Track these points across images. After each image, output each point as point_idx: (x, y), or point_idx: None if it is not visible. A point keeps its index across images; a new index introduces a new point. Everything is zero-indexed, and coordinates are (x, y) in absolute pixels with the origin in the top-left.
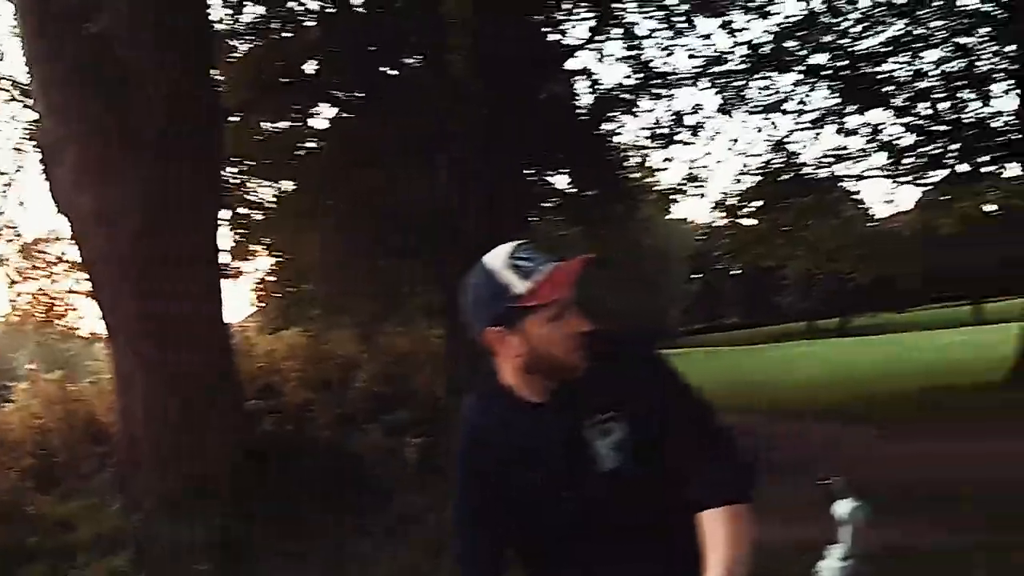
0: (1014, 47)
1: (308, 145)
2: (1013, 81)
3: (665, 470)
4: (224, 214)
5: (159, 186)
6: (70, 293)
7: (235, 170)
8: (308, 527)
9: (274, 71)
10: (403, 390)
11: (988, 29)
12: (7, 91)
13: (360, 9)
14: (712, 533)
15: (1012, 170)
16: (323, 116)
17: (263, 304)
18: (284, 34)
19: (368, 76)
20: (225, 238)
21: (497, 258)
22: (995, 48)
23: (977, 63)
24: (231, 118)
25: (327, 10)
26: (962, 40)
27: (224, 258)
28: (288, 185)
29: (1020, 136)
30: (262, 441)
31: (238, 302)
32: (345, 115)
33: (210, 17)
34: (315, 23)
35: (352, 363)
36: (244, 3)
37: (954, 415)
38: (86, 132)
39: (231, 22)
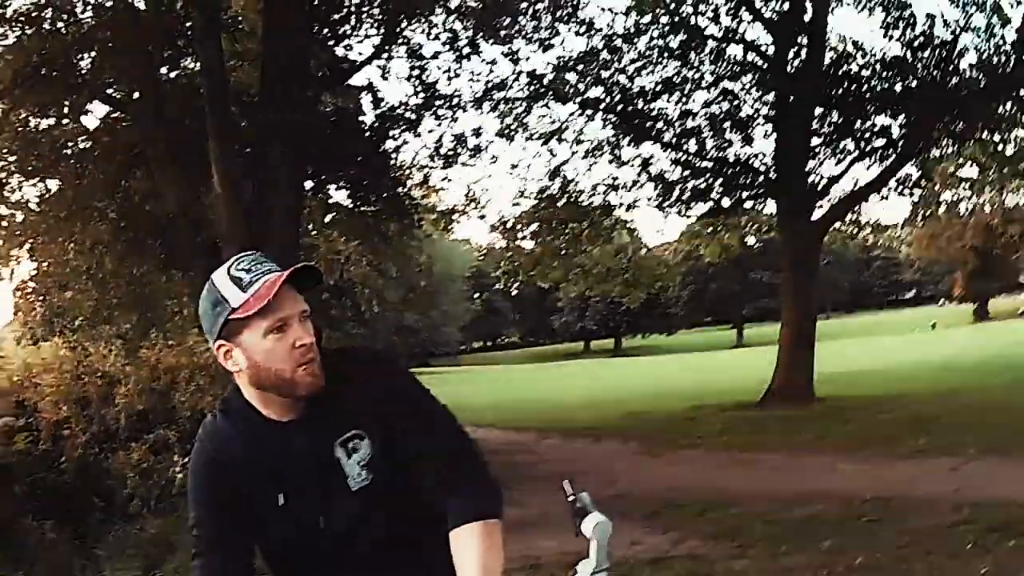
0: (772, 95)
1: (78, 144)
2: (770, 125)
3: (414, 487)
4: None
5: None
6: None
7: None
8: (61, 552)
9: (43, 63)
10: (168, 406)
11: (750, 77)
12: None
13: (140, 5)
14: (463, 550)
15: (770, 206)
16: (94, 114)
17: (23, 313)
18: (57, 24)
19: (143, 76)
20: None
21: (221, 271)
22: (757, 94)
23: (741, 107)
24: None
25: (104, 3)
26: (728, 85)
27: None
28: (54, 185)
29: (776, 176)
30: (12, 461)
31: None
32: (117, 115)
33: None
34: (91, 17)
35: (115, 378)
36: None
37: (714, 432)
38: None
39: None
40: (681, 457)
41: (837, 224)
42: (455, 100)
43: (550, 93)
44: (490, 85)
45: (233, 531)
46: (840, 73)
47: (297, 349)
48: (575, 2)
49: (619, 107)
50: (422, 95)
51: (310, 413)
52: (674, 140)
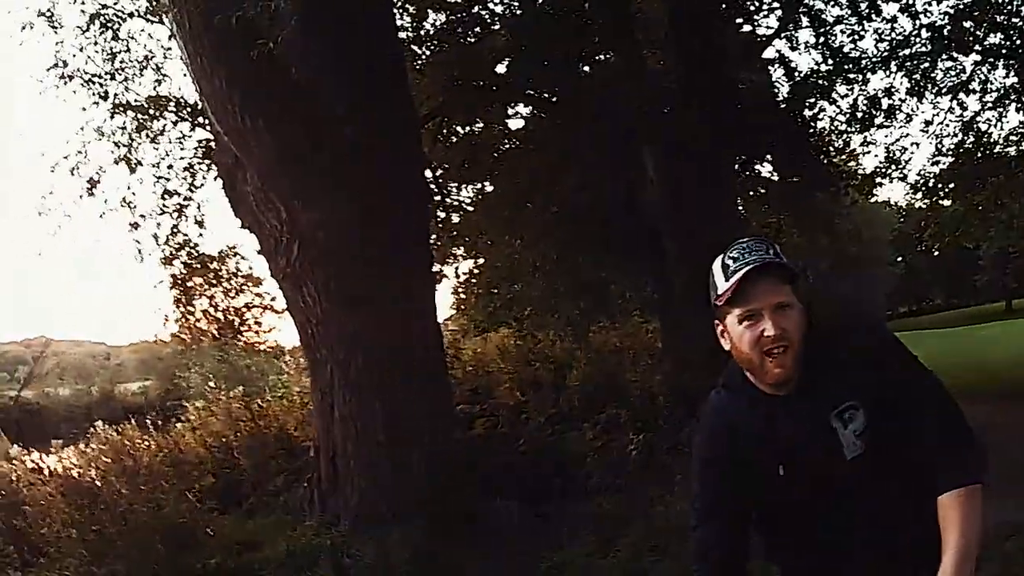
0: None
1: (506, 146)
2: None
3: (905, 454)
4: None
5: (361, 199)
6: (249, 308)
7: (431, 175)
8: (523, 531)
9: (465, 75)
10: (618, 387)
11: None
12: (172, 111)
13: (547, 9)
14: (950, 514)
15: None
16: (519, 116)
17: (466, 307)
18: (470, 38)
19: (562, 76)
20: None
21: (721, 255)
22: None
23: None
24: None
25: (515, 11)
26: None
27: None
28: (488, 187)
29: None
30: (472, 447)
31: (440, 306)
32: (541, 115)
33: (394, 25)
34: (501, 26)
35: (563, 362)
36: (426, 11)
37: None
38: (269, 151)
39: (414, 30)
40: None
41: None
42: (863, 62)
43: (952, 44)
44: (894, 43)
45: (733, 501)
46: None
47: (764, 339)
48: None
49: (1020, 51)
50: (831, 61)
51: (805, 386)
52: None
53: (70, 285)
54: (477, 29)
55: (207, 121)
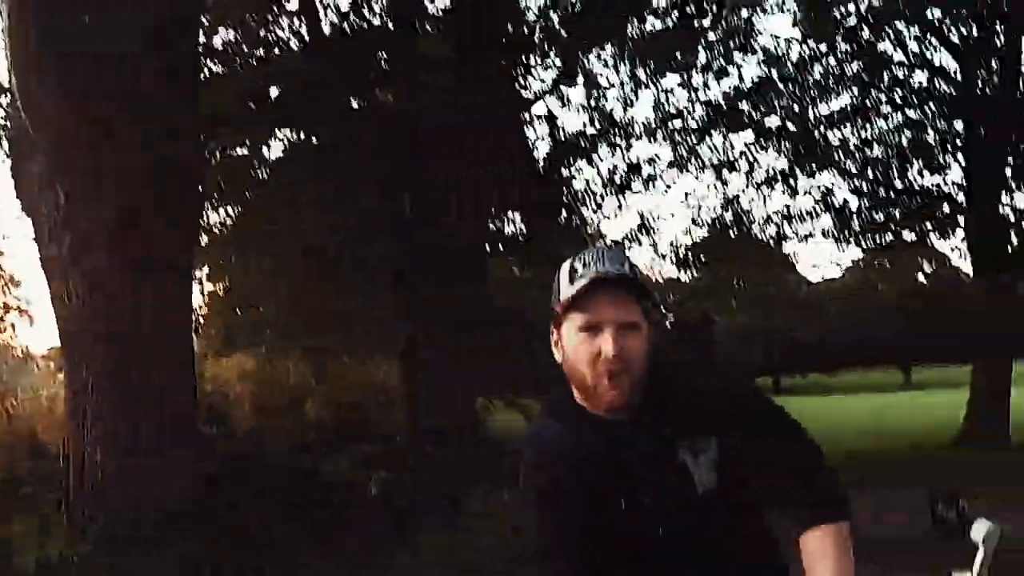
0: (960, 123)
1: (263, 173)
2: (959, 154)
3: (758, 492)
4: None
5: (139, 195)
6: (7, 310)
7: None
8: (267, 554)
9: (242, 95)
10: (356, 422)
11: (935, 104)
12: None
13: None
14: (815, 552)
15: (955, 240)
16: (282, 140)
17: (208, 327)
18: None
19: (332, 108)
20: None
21: (571, 258)
22: (943, 123)
23: (926, 135)
24: None
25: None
26: (912, 113)
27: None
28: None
29: (963, 206)
30: (221, 466)
31: None
32: (305, 142)
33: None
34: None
35: (304, 391)
36: (217, 27)
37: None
38: (62, 132)
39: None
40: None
41: None
42: (630, 129)
43: (723, 121)
44: (666, 115)
45: (570, 535)
46: None
47: (601, 358)
48: (746, 29)
49: (795, 136)
50: (598, 124)
51: (650, 413)
52: (855, 169)
53: None
54: (260, 51)
55: (8, 96)
